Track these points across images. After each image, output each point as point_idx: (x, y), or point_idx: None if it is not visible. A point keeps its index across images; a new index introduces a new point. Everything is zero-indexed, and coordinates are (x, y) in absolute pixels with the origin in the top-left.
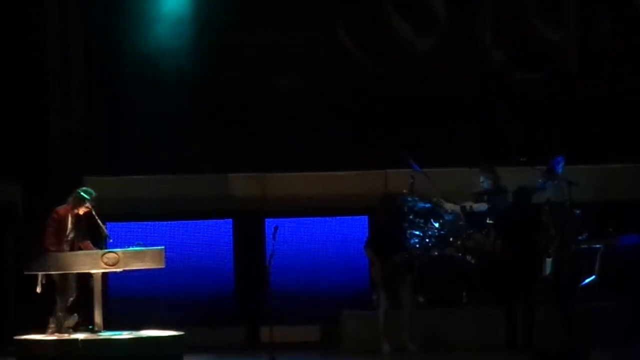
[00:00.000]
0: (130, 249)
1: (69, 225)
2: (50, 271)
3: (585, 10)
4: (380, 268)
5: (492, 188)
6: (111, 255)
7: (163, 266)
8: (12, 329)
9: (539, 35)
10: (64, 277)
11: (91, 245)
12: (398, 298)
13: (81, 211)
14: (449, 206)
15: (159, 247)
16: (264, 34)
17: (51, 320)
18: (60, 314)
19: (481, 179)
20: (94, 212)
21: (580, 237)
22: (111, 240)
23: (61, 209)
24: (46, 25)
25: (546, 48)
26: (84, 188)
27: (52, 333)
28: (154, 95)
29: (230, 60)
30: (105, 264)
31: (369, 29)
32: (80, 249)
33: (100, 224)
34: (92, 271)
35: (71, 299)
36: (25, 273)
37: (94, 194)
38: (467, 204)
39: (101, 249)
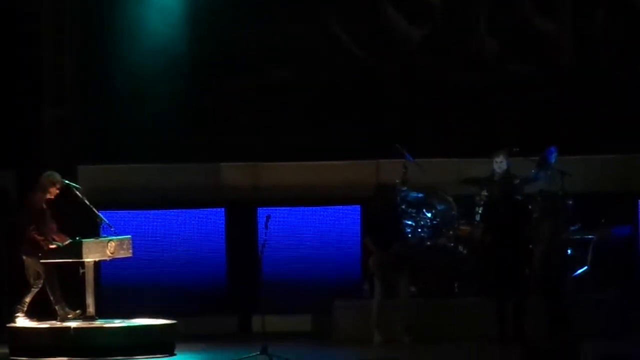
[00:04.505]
0: (116, 237)
1: (46, 212)
2: (61, 259)
3: (580, 1)
4: (379, 258)
5: (502, 174)
6: (113, 243)
7: (131, 255)
8: (4, 318)
9: (534, 26)
10: (49, 265)
11: (64, 236)
12: (392, 288)
13: (53, 194)
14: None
15: (128, 236)
16: (257, 26)
17: (18, 307)
18: (59, 304)
19: (500, 159)
20: (85, 200)
21: (572, 228)
22: (112, 229)
23: (35, 196)
24: (41, 15)
25: (540, 39)
26: (47, 172)
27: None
28: (146, 84)
29: (224, 52)
30: (110, 252)
31: (362, 20)
32: (53, 239)
33: (95, 211)
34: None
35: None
36: (41, 261)
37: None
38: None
39: (95, 236)
